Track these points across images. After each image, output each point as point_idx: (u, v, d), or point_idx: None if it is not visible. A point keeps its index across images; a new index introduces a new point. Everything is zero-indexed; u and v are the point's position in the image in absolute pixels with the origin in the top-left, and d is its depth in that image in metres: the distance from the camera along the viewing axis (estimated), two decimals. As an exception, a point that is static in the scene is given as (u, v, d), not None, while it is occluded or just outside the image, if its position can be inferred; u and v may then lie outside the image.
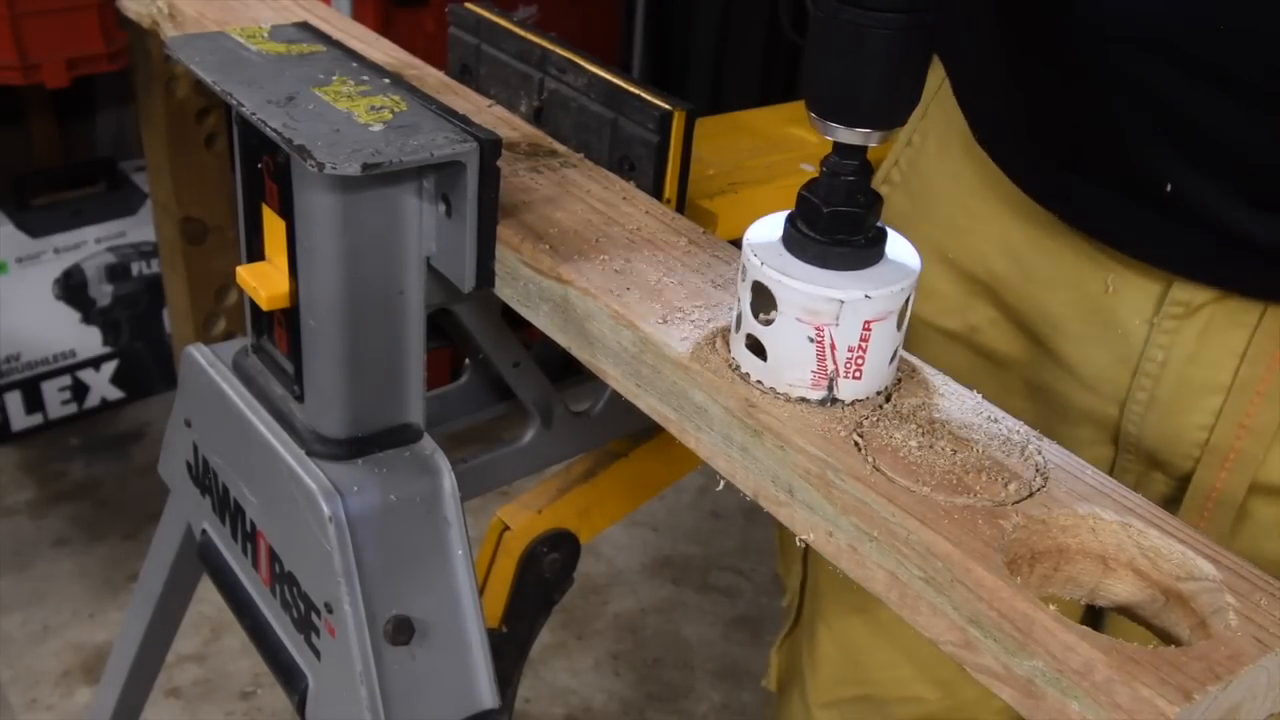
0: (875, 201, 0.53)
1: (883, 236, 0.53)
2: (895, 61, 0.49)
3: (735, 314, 0.55)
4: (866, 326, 0.51)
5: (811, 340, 0.52)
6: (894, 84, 0.50)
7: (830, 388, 0.53)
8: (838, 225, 0.52)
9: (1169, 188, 0.68)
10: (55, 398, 2.29)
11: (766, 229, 0.54)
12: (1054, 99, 0.73)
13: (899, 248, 0.54)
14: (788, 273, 0.51)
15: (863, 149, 0.51)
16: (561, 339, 0.63)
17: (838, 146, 0.51)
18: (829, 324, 0.51)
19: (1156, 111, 0.67)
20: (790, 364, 0.52)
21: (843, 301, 0.51)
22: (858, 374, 0.52)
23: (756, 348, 0.53)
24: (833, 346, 0.52)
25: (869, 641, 1.01)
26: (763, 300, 0.53)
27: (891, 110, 0.50)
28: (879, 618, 0.99)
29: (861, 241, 0.52)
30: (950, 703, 1.01)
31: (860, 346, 0.52)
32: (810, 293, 0.51)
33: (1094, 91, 0.69)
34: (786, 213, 0.54)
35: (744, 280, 0.53)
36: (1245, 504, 0.76)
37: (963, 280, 0.84)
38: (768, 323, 0.53)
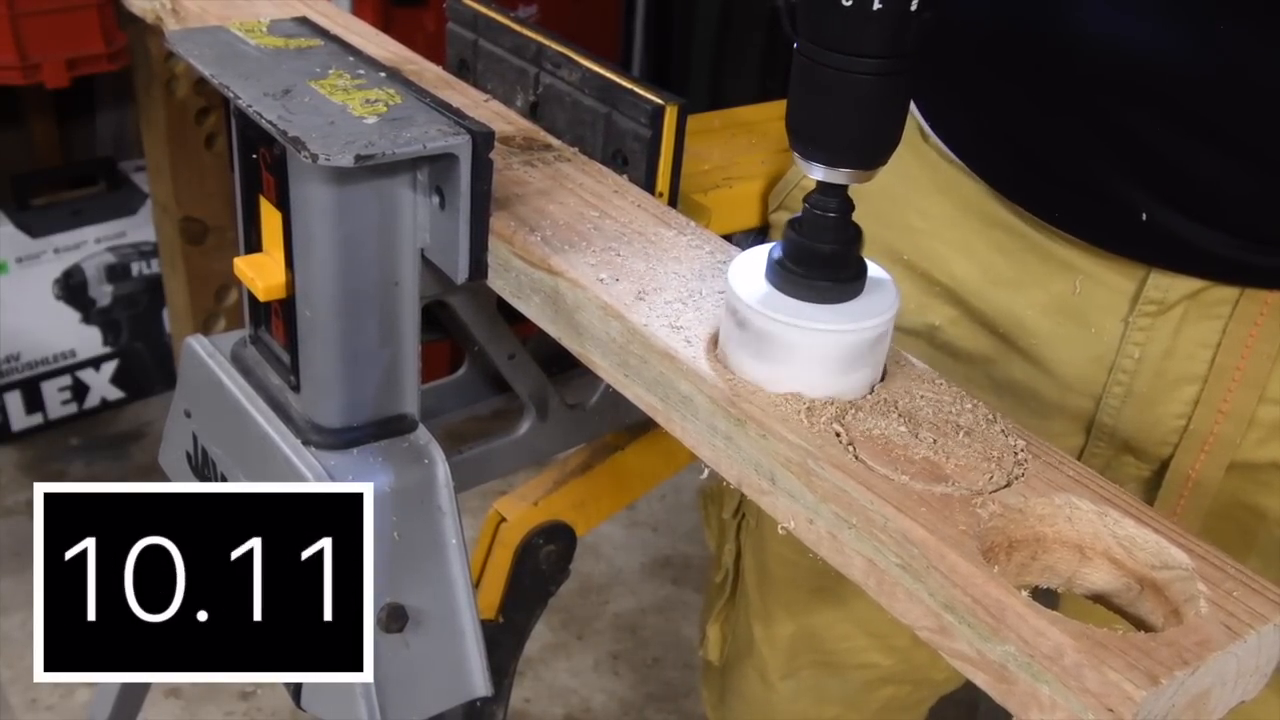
0: (857, 237, 0.54)
1: (863, 270, 0.54)
2: (875, 106, 0.49)
3: (719, 326, 0.56)
4: (850, 355, 0.53)
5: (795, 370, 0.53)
6: (874, 127, 0.50)
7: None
8: (820, 262, 0.53)
9: (1144, 217, 0.69)
10: (55, 398, 2.28)
11: (751, 262, 0.55)
12: (1035, 130, 0.73)
13: (877, 276, 0.55)
14: (773, 309, 0.53)
15: (844, 187, 0.52)
16: (552, 330, 0.64)
17: (820, 184, 0.52)
18: (813, 357, 0.53)
19: (1137, 155, 0.68)
20: (773, 378, 0.54)
21: (827, 336, 0.52)
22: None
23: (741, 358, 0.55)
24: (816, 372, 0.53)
25: (825, 618, 1.04)
26: (747, 331, 0.54)
27: (872, 152, 0.51)
28: (834, 597, 1.02)
29: (843, 276, 0.53)
30: (904, 666, 1.05)
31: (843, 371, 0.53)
32: (795, 326, 0.52)
33: (1076, 130, 0.70)
34: (771, 245, 0.55)
35: (729, 314, 0.55)
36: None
37: (919, 281, 0.83)
38: (751, 351, 0.54)
